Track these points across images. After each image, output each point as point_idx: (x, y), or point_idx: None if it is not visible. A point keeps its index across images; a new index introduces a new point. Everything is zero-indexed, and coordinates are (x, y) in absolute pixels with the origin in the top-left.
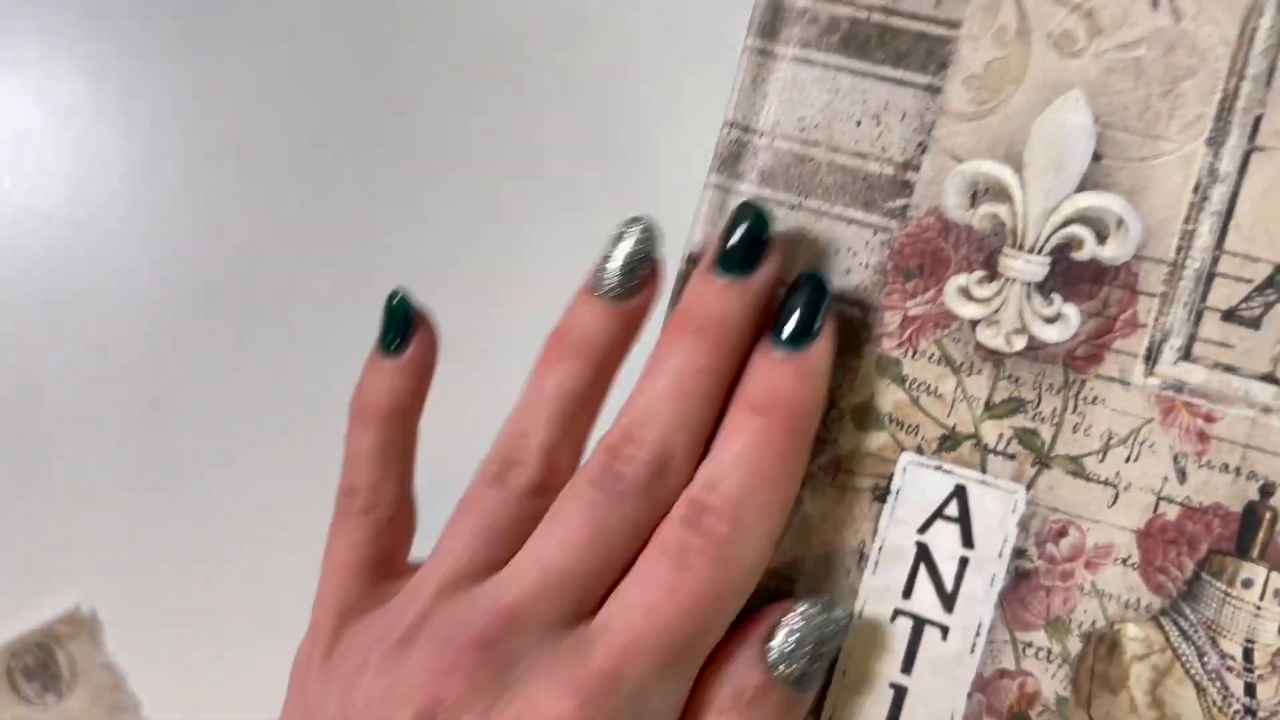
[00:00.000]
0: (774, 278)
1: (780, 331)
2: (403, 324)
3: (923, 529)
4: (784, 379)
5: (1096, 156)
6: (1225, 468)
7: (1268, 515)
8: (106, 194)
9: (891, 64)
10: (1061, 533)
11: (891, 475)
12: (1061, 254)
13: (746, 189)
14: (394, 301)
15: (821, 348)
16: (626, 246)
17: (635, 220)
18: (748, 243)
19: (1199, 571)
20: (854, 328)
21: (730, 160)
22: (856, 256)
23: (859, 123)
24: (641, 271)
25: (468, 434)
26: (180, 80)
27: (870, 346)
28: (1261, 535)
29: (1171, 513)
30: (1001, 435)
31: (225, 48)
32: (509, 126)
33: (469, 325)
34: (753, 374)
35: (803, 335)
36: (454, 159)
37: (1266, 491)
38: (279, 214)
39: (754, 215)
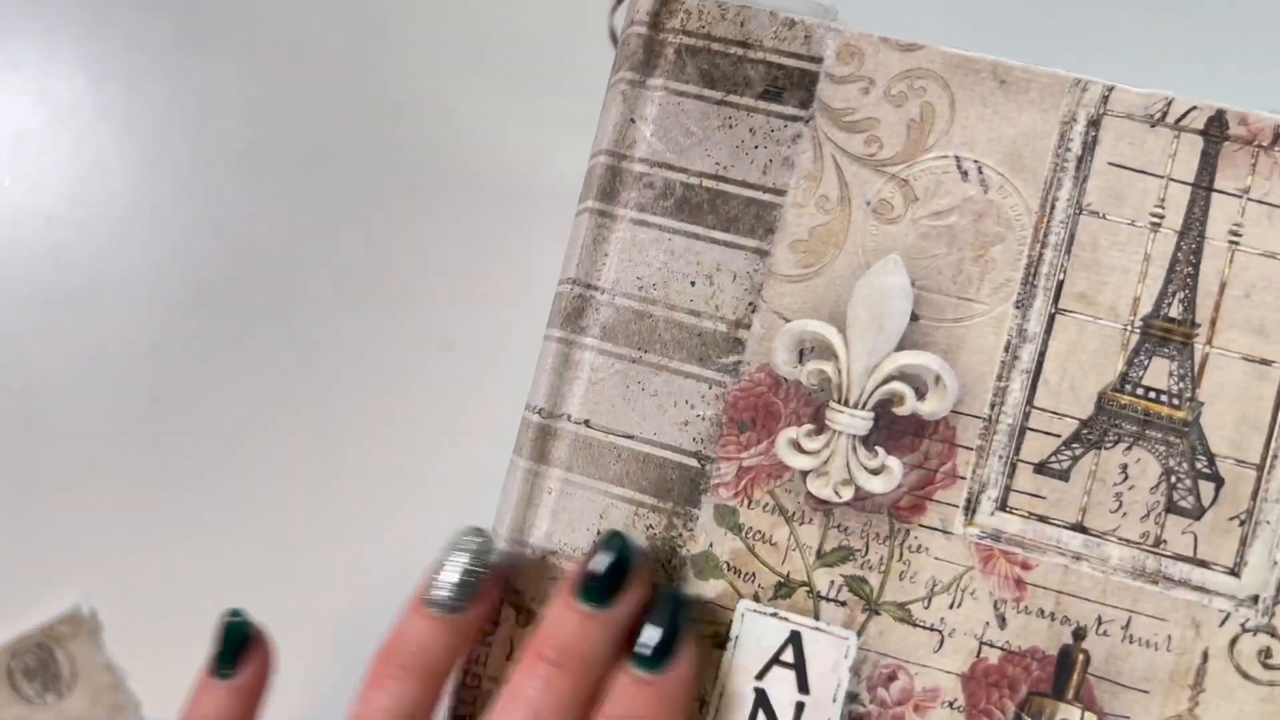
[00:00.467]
0: (636, 607)
1: (640, 652)
2: (239, 645)
3: (760, 675)
4: (643, 701)
5: (914, 317)
6: (1041, 613)
7: (1080, 658)
8: (106, 194)
9: (722, 228)
10: (891, 677)
11: (730, 623)
12: (884, 409)
13: (590, 342)
14: (231, 622)
15: (680, 669)
16: (463, 560)
17: (473, 532)
18: (611, 574)
19: (1019, 713)
20: (692, 478)
21: (573, 315)
22: (694, 409)
23: (693, 283)
24: (477, 584)
25: (461, 422)
26: (180, 80)
27: (708, 496)
28: (1075, 678)
29: (993, 656)
30: (833, 583)
31: (225, 48)
32: (509, 126)
33: (467, 323)
34: (613, 693)
35: (661, 657)
36: (454, 159)
37: (1079, 635)
38: (278, 214)
39: (618, 546)
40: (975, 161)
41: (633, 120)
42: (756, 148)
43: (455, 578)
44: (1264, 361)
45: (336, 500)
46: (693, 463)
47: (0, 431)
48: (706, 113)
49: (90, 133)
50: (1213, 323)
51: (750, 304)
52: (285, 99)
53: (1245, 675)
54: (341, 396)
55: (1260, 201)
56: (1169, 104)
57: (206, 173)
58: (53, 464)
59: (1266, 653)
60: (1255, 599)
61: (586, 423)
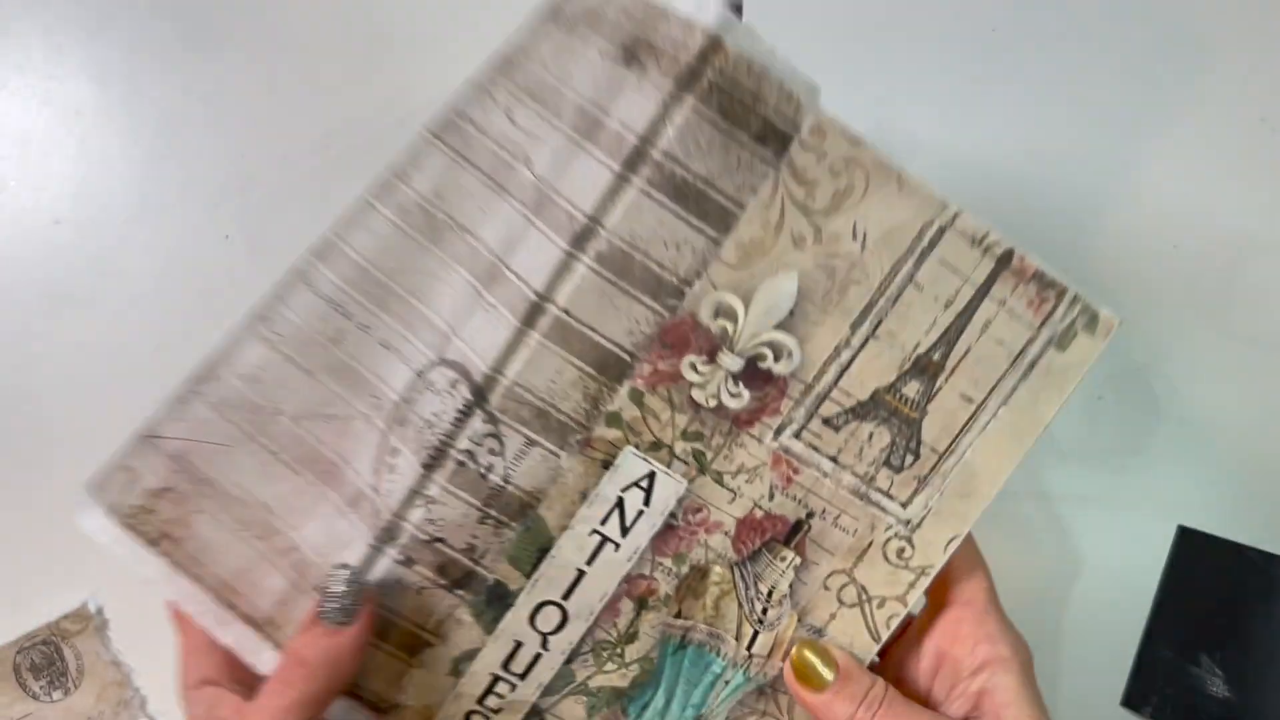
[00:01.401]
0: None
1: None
2: (361, 600)
3: (624, 490)
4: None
5: (791, 313)
6: (794, 499)
7: (805, 527)
8: (111, 196)
9: (698, 217)
10: (698, 510)
11: (616, 455)
12: (753, 361)
13: (587, 261)
14: (353, 580)
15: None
16: (344, 578)
17: (342, 567)
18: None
19: (761, 546)
20: (623, 366)
21: (581, 238)
22: (639, 325)
23: (666, 245)
24: (360, 597)
25: None
26: (185, 82)
27: (630, 380)
28: (798, 537)
29: (759, 514)
30: (685, 450)
31: (230, 50)
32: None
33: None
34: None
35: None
36: None
37: (809, 515)
38: (282, 215)
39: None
40: (864, 230)
41: (664, 121)
42: (738, 169)
43: (342, 588)
44: (968, 400)
45: None
46: (626, 357)
47: (6, 431)
48: (714, 136)
49: (95, 135)
50: (954, 369)
51: (697, 271)
52: (290, 100)
53: (886, 559)
54: None
55: (1009, 312)
56: (986, 233)
57: (211, 174)
58: (59, 463)
59: (900, 551)
60: (907, 522)
61: (567, 312)
